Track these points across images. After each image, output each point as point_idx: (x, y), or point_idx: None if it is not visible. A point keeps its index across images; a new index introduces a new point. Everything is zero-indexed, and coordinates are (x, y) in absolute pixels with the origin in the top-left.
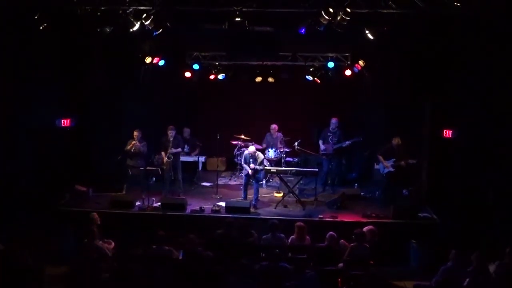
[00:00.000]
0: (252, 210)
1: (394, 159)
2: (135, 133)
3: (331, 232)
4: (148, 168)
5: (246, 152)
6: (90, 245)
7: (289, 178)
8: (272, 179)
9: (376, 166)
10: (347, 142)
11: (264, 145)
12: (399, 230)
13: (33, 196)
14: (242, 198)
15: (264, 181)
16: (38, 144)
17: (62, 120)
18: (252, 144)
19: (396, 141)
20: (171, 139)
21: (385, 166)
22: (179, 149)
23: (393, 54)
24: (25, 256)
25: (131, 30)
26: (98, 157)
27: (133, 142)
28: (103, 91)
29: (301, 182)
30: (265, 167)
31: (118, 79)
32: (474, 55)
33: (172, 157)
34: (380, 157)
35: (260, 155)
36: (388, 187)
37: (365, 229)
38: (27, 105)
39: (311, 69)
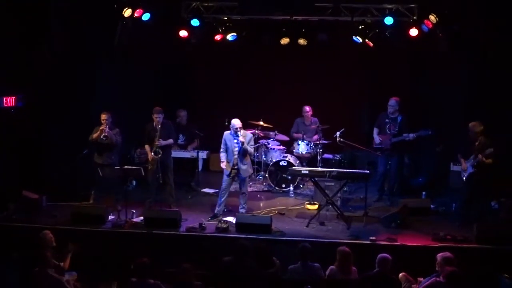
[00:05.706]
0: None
1: (473, 155)
2: (103, 116)
3: (383, 254)
4: (126, 167)
5: (226, 132)
6: (42, 277)
7: (328, 184)
8: (304, 185)
9: (455, 167)
10: (411, 135)
11: (294, 135)
12: (485, 259)
13: None
14: (217, 209)
15: (291, 188)
16: None
17: (4, 99)
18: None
19: (474, 125)
20: (158, 126)
21: (463, 168)
22: (170, 141)
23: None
24: None
25: None
26: (55, 152)
27: (102, 127)
28: (64, 59)
29: (345, 189)
30: (295, 167)
31: (85, 43)
32: None
33: (160, 153)
34: (461, 158)
35: (248, 134)
36: (470, 198)
37: (438, 256)
38: None
39: (360, 27)
